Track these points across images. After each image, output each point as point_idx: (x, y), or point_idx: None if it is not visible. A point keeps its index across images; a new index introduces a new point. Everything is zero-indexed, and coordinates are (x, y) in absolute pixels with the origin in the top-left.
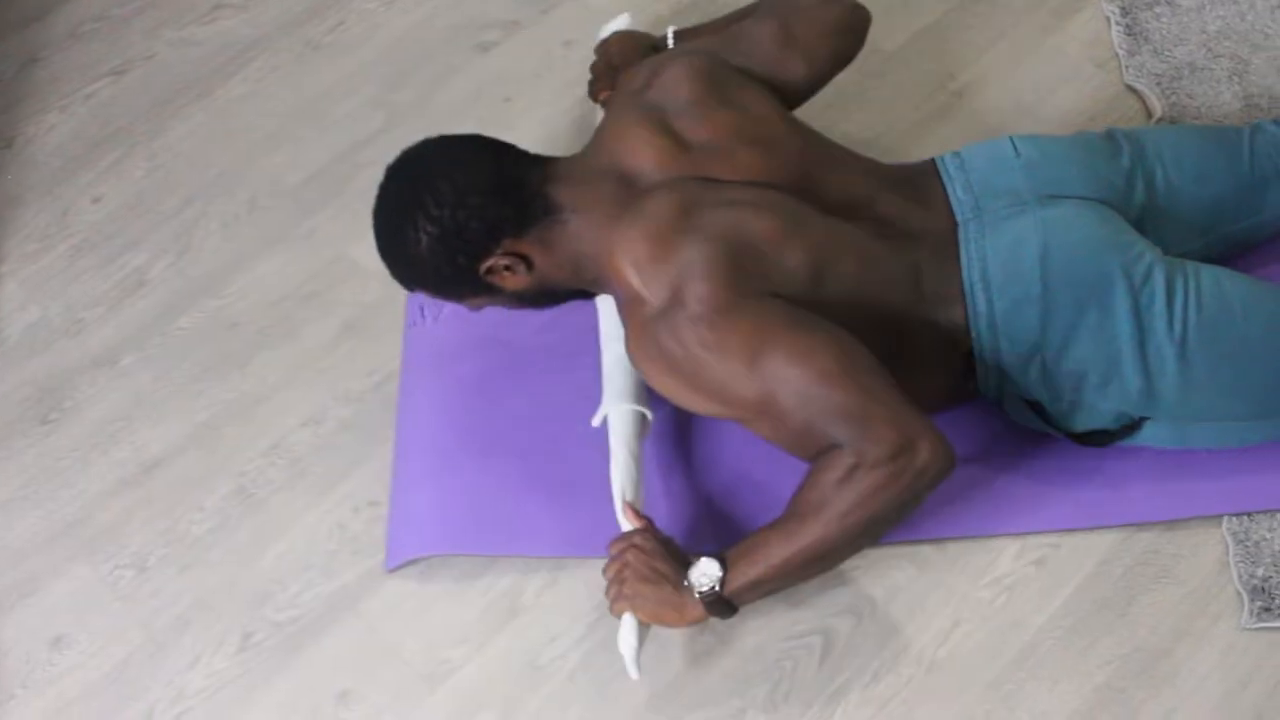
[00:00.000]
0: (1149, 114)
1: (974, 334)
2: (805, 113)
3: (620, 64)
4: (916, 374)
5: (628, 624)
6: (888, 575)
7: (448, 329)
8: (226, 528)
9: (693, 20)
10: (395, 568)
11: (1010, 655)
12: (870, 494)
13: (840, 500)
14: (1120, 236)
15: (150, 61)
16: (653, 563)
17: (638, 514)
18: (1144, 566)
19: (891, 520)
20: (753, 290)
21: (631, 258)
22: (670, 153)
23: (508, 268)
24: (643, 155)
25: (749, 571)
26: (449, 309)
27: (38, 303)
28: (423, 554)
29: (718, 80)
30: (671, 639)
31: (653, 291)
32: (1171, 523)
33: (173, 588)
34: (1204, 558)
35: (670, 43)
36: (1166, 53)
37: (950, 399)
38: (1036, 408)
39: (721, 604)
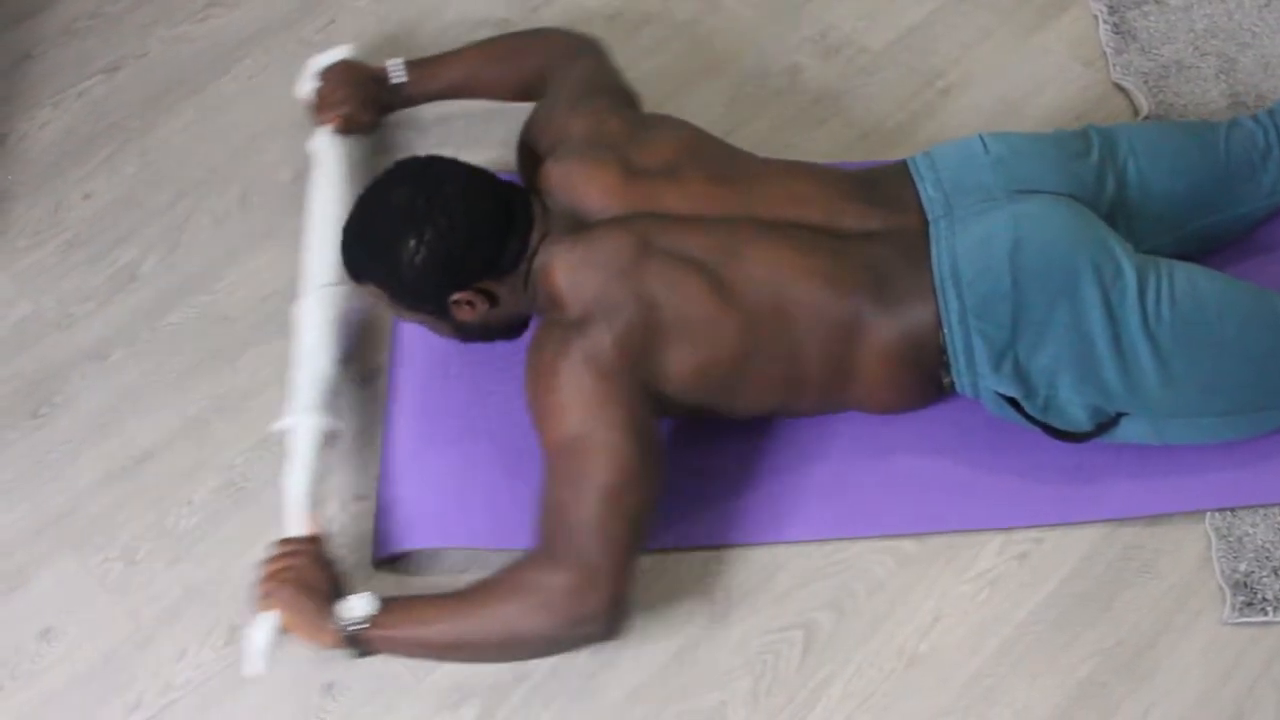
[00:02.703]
0: (1136, 112)
1: (945, 330)
2: (794, 111)
3: (343, 92)
4: (885, 373)
5: (265, 621)
6: (870, 570)
7: None
8: (215, 521)
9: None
10: (381, 561)
11: (992, 649)
12: (533, 610)
13: (509, 601)
14: (1091, 232)
15: (143, 59)
16: (313, 575)
17: (314, 522)
18: (1126, 561)
19: (534, 648)
20: (639, 373)
21: (570, 275)
22: (614, 186)
23: (469, 303)
24: (589, 193)
25: (398, 629)
26: None
27: (29, 297)
28: (409, 547)
29: (631, 111)
30: (657, 631)
31: (573, 304)
32: (1154, 518)
33: (161, 580)
34: (1186, 553)
35: (397, 74)
36: (1154, 51)
37: (925, 395)
38: (1013, 403)
39: (357, 643)
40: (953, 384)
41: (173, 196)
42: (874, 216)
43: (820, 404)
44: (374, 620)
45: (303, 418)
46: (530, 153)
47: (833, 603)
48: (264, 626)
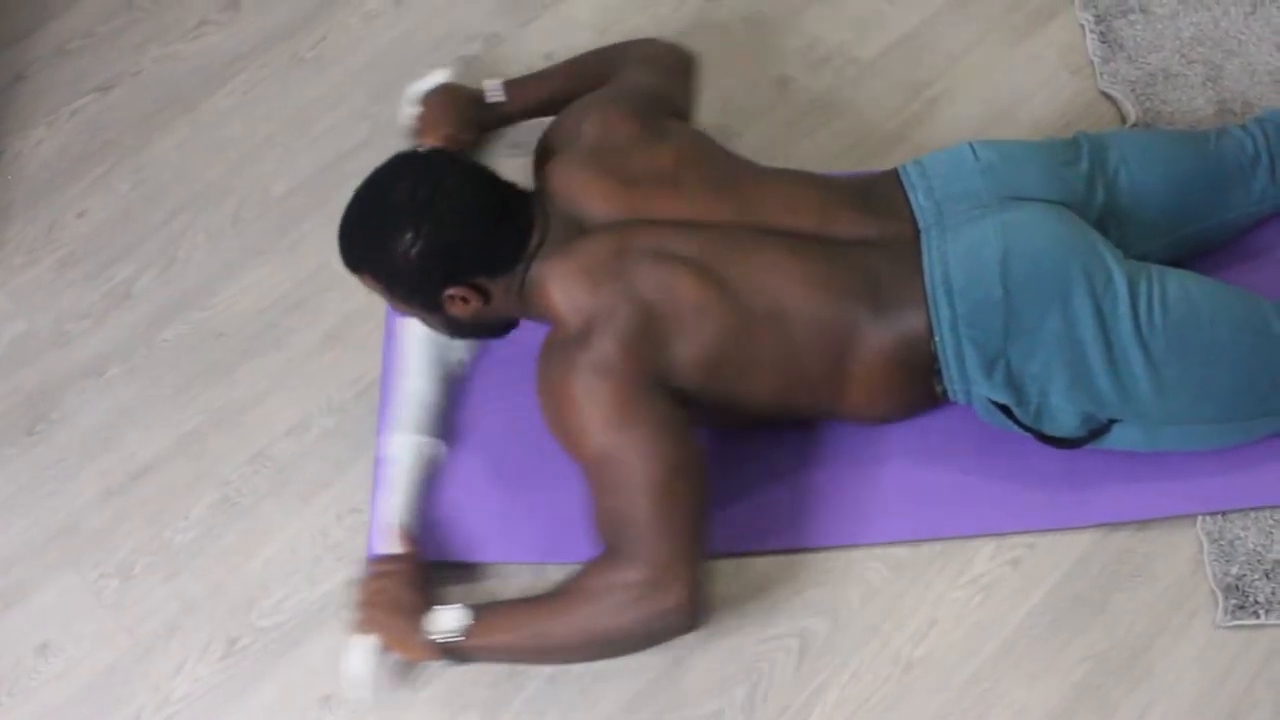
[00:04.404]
0: (1123, 120)
1: (937, 338)
2: (784, 123)
3: (441, 117)
4: (878, 380)
5: (364, 645)
6: (864, 577)
7: None
8: (211, 535)
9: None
10: None
11: (987, 653)
12: (613, 611)
13: (587, 605)
14: (1081, 239)
15: (136, 77)
16: (404, 594)
17: (408, 539)
18: (1119, 565)
19: (621, 646)
20: (650, 370)
21: (563, 287)
22: (613, 193)
23: (464, 299)
24: (588, 199)
25: (489, 637)
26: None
27: (25, 315)
28: None
29: (649, 118)
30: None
31: (571, 319)
32: (1146, 522)
33: (158, 595)
34: (1179, 557)
35: (496, 94)
36: (1141, 59)
37: (917, 403)
38: (1005, 410)
39: (451, 653)
40: (945, 391)
41: (167, 213)
42: (867, 224)
43: (813, 409)
44: (465, 631)
45: (401, 436)
46: (545, 151)
47: (827, 610)
48: (362, 650)
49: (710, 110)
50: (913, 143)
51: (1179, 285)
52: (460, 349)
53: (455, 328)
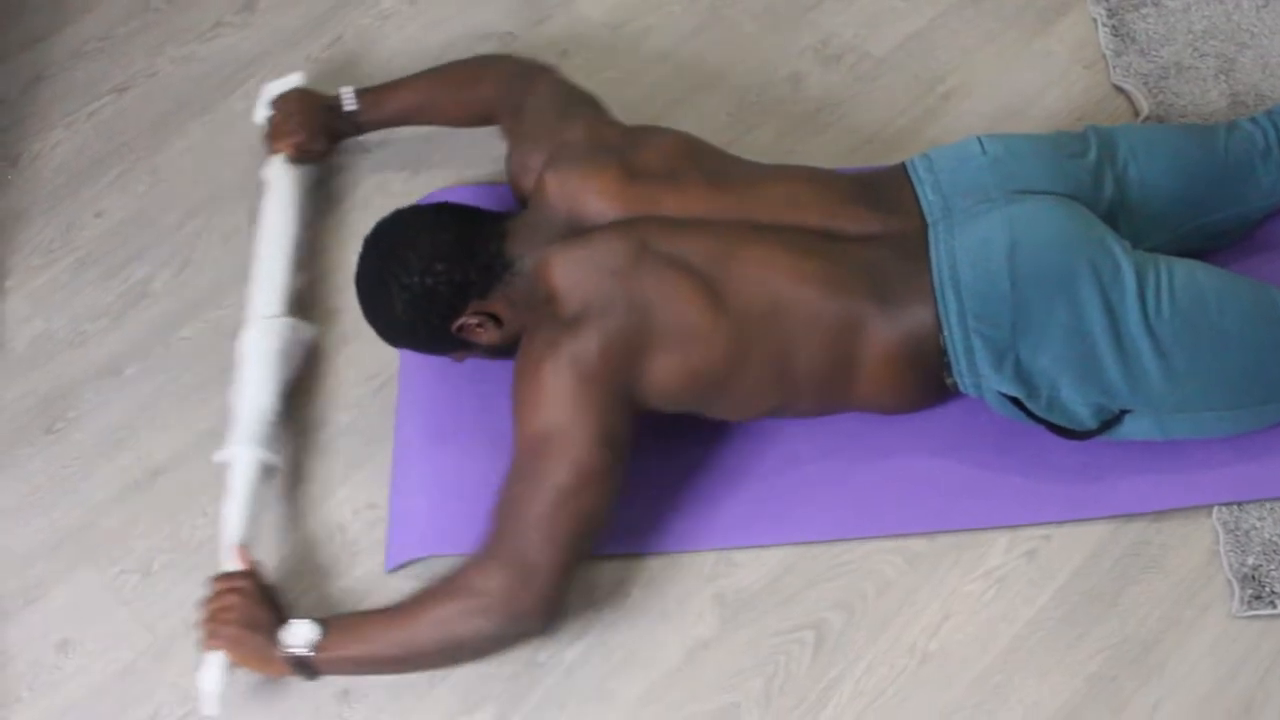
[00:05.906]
0: (1136, 113)
1: (945, 333)
2: (797, 119)
3: (296, 120)
4: (886, 374)
5: (215, 661)
6: (879, 569)
7: None
8: None
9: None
10: (395, 569)
11: (1001, 646)
12: (466, 615)
13: (441, 608)
14: (1088, 231)
15: (152, 79)
16: (255, 610)
17: (247, 557)
18: (1134, 557)
19: (475, 650)
20: (621, 379)
21: (567, 271)
22: (615, 188)
23: (479, 325)
24: (589, 196)
25: (342, 649)
26: None
27: (42, 315)
28: (422, 555)
29: (628, 126)
30: (668, 634)
31: (568, 302)
32: (1161, 513)
33: (177, 592)
34: (1193, 547)
35: (349, 102)
36: (1153, 53)
37: (928, 396)
38: (1016, 402)
39: (306, 668)
40: (955, 384)
41: (183, 214)
42: (873, 220)
43: (821, 405)
44: (318, 645)
45: (241, 450)
46: (524, 169)
47: (842, 602)
48: (213, 667)
49: (723, 106)
50: (926, 138)
51: (1187, 274)
52: (298, 362)
53: (499, 353)
